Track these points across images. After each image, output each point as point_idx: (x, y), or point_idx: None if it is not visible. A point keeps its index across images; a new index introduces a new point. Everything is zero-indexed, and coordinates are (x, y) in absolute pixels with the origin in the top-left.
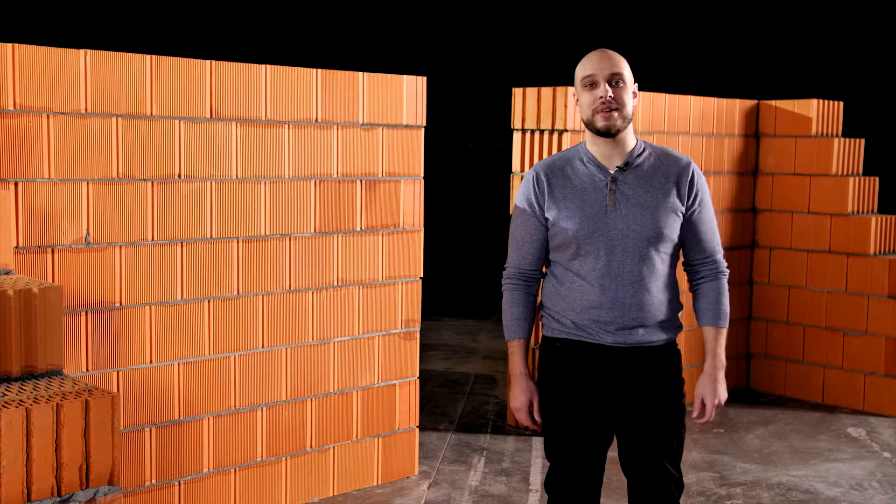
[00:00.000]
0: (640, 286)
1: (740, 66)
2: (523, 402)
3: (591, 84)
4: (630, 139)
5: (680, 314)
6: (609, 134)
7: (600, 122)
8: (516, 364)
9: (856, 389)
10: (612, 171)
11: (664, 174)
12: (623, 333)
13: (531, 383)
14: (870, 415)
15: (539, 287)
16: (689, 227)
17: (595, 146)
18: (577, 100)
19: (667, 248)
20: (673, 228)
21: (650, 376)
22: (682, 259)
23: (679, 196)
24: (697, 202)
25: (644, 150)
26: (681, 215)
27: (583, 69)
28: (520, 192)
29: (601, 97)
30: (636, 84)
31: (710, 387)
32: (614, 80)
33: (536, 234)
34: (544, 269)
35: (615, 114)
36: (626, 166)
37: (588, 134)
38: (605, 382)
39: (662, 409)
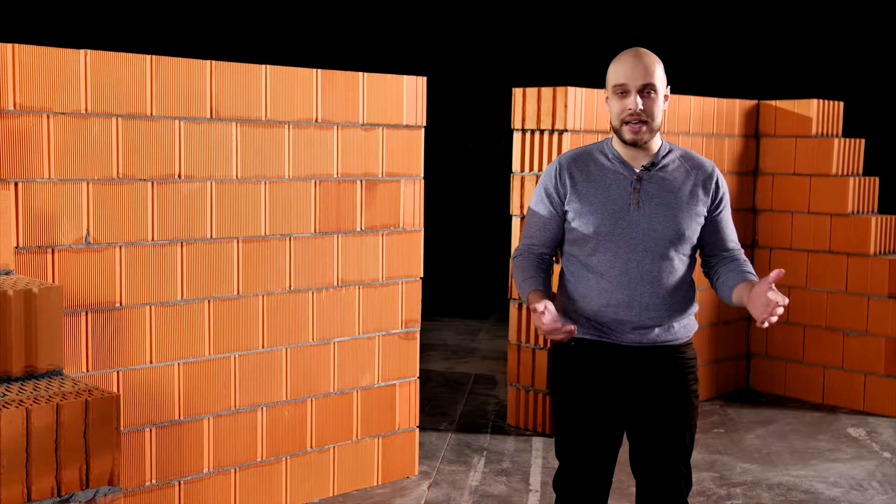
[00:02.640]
0: (658, 286)
1: (740, 66)
2: (540, 306)
3: (622, 92)
4: (656, 140)
5: (695, 314)
6: (635, 145)
7: (627, 135)
8: (536, 298)
9: (856, 389)
10: (637, 170)
11: (689, 177)
12: (639, 332)
13: (547, 299)
14: (870, 415)
15: (549, 266)
16: (711, 228)
17: (621, 145)
18: (607, 99)
19: (686, 250)
20: (694, 230)
21: (664, 375)
22: (699, 261)
23: (702, 201)
24: (721, 206)
25: (669, 151)
26: (702, 219)
27: (615, 75)
28: (541, 182)
29: (630, 109)
30: (668, 87)
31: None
32: (646, 90)
33: (550, 225)
34: (558, 261)
35: (643, 127)
36: (652, 166)
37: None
38: (619, 381)
39: (676, 407)
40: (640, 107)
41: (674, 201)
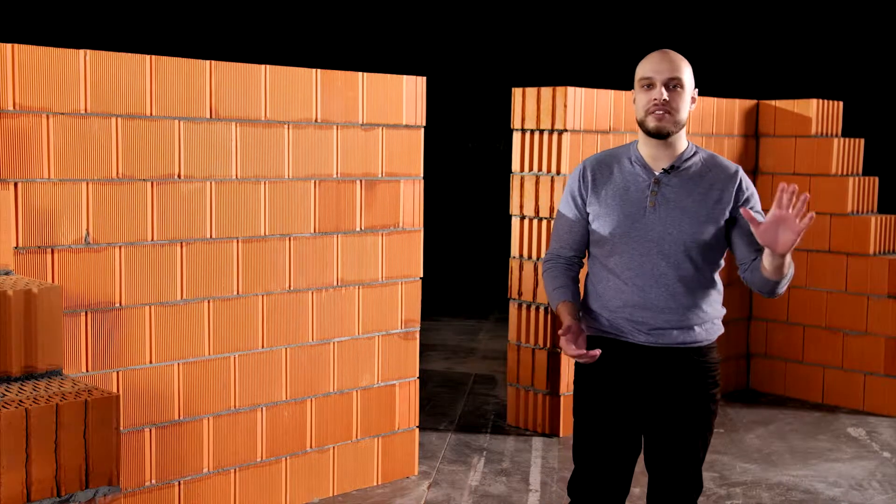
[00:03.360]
0: (674, 289)
1: (740, 66)
2: (564, 329)
3: (648, 85)
4: (681, 142)
5: (720, 318)
6: (659, 136)
7: (651, 124)
8: (564, 316)
9: (856, 389)
10: (657, 173)
11: (710, 181)
12: (656, 334)
13: (576, 320)
14: (870, 415)
15: (579, 271)
16: (741, 231)
17: (645, 147)
18: (634, 99)
19: (705, 254)
20: (712, 234)
21: (683, 378)
22: (737, 266)
23: (724, 204)
24: (748, 208)
25: (694, 154)
26: (723, 223)
27: (642, 69)
28: (567, 184)
29: (655, 99)
30: (696, 89)
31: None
32: (672, 83)
33: (577, 227)
34: (585, 262)
35: (667, 116)
36: (672, 169)
37: (640, 134)
38: (637, 382)
39: (692, 411)
40: (665, 97)
41: (691, 205)
